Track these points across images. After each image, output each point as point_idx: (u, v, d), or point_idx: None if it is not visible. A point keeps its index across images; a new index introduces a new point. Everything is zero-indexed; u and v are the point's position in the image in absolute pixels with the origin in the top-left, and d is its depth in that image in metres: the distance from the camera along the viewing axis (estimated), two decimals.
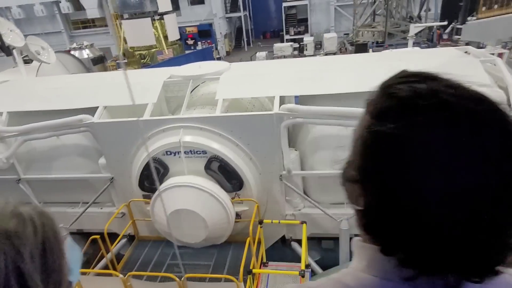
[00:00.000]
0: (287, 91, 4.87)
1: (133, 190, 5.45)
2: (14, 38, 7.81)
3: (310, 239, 5.69)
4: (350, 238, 5.22)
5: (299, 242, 5.62)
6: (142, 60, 19.35)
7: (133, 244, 5.58)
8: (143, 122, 4.95)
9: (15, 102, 5.90)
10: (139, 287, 4.48)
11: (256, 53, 22.74)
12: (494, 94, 3.97)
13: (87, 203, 6.02)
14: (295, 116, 4.59)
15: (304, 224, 4.46)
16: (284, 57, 22.22)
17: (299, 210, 5.41)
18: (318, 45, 23.17)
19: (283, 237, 5.61)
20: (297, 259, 5.72)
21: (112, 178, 5.49)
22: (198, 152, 4.84)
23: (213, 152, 4.79)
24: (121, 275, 4.13)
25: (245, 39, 30.50)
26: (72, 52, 17.01)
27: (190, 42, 26.66)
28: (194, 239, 4.93)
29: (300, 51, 24.11)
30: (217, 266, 4.90)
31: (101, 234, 6.39)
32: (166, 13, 19.46)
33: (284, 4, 27.57)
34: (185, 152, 4.86)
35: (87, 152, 5.67)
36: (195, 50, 23.73)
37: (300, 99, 5.65)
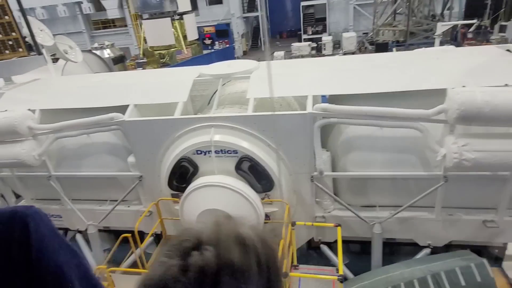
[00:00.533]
0: (320, 90, 4.76)
1: (162, 189, 5.43)
2: (44, 37, 7.96)
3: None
4: (383, 242, 5.08)
5: (328, 245, 5.52)
6: (162, 60, 19.53)
7: (160, 243, 5.58)
8: (174, 120, 4.92)
9: (47, 100, 5.99)
10: None
11: (273, 52, 22.63)
12: None
13: (115, 201, 6.06)
14: (329, 116, 4.47)
15: (339, 227, 4.34)
16: (302, 56, 22.05)
17: (329, 212, 5.28)
18: (337, 45, 22.87)
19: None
20: (324, 262, 5.63)
21: (141, 176, 5.49)
22: (229, 152, 4.77)
23: (244, 151, 4.71)
24: None
25: (261, 39, 30.44)
26: (93, 52, 17.30)
27: (208, 41, 26.79)
28: None
29: (318, 51, 23.87)
30: None
31: (128, 231, 6.43)
32: (185, 13, 19.59)
33: (302, 3, 27.38)
34: (215, 152, 4.81)
35: (116, 150, 5.69)
36: (216, 50, 23.82)
37: (329, 99, 5.52)
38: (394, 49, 16.00)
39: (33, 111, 5.67)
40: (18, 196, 7.00)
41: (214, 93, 7.00)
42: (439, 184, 4.53)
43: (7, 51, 7.02)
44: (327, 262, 5.63)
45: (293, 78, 5.29)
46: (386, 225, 5.00)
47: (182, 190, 5.17)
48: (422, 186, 4.70)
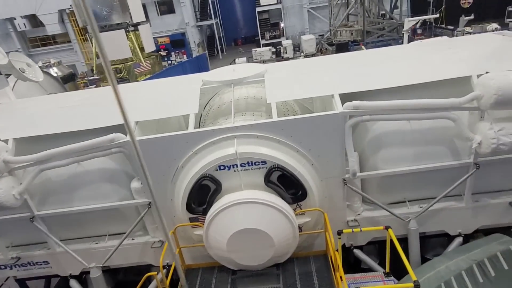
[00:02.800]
0: (345, 88, 4.51)
1: (175, 214, 4.81)
2: None
3: (369, 244, 5.36)
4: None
5: (360, 249, 5.27)
6: (118, 75, 18.24)
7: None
8: (189, 135, 4.36)
9: (20, 126, 5.05)
10: None
11: (234, 59, 22.35)
12: None
13: (115, 235, 5.29)
14: (362, 114, 4.24)
15: (390, 229, 4.09)
16: (264, 61, 22.03)
17: (359, 214, 5.05)
18: (296, 48, 23.25)
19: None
20: (346, 268, 5.35)
21: (150, 203, 4.81)
22: (257, 163, 4.33)
23: (273, 161, 4.30)
24: None
25: (218, 47, 30.02)
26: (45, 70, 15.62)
27: (163, 53, 25.71)
28: (257, 261, 4.40)
29: (278, 55, 24.08)
30: (289, 287, 4.39)
31: (133, 268, 5.65)
32: (139, 23, 18.54)
33: (258, 9, 27.54)
34: (241, 165, 4.34)
35: (114, 177, 4.93)
36: (189, 59, 22.83)
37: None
38: (362, 47, 16.56)
39: (5, 141, 4.74)
40: None
41: (208, 102, 6.52)
42: (471, 172, 4.51)
43: None
44: (350, 269, 5.37)
45: (308, 78, 5.01)
46: (418, 220, 4.88)
47: (203, 212, 4.61)
48: (451, 175, 4.66)
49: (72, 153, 4.47)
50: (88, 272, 5.25)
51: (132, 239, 5.29)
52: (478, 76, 4.18)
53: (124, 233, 5.01)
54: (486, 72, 4.14)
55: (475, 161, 4.47)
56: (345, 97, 4.43)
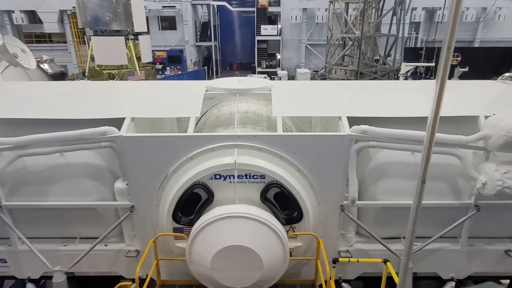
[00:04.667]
0: (352, 111, 4.44)
1: (158, 222, 4.44)
2: None
3: (358, 279, 5.08)
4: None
5: (348, 283, 4.99)
6: (111, 80, 17.90)
7: None
8: (187, 138, 4.11)
9: (4, 108, 4.67)
10: None
11: None
12: None
13: (86, 238, 4.81)
14: (369, 139, 4.14)
15: (389, 263, 3.86)
16: None
17: (351, 245, 4.82)
18: (291, 79, 23.74)
19: None
20: None
21: (132, 206, 4.43)
22: (255, 177, 4.10)
23: (272, 177, 4.08)
24: None
25: (214, 68, 30.36)
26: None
27: (159, 66, 25.68)
28: (241, 283, 4.03)
29: None
30: None
31: (101, 278, 5.13)
32: (140, 33, 18.55)
33: (257, 38, 28.34)
34: (238, 176, 4.09)
35: (98, 173, 4.56)
36: (188, 71, 22.76)
37: None
38: None
39: None
40: None
41: (204, 113, 6.33)
42: (471, 213, 4.42)
43: None
44: None
45: (315, 98, 4.93)
46: (417, 258, 4.70)
47: (189, 223, 4.27)
48: (449, 215, 4.55)
49: (58, 141, 4.13)
50: (49, 277, 4.72)
51: (105, 245, 4.82)
52: (486, 117, 4.20)
53: (97, 237, 4.56)
54: (493, 114, 4.18)
55: (475, 202, 4.39)
56: (349, 122, 4.35)
